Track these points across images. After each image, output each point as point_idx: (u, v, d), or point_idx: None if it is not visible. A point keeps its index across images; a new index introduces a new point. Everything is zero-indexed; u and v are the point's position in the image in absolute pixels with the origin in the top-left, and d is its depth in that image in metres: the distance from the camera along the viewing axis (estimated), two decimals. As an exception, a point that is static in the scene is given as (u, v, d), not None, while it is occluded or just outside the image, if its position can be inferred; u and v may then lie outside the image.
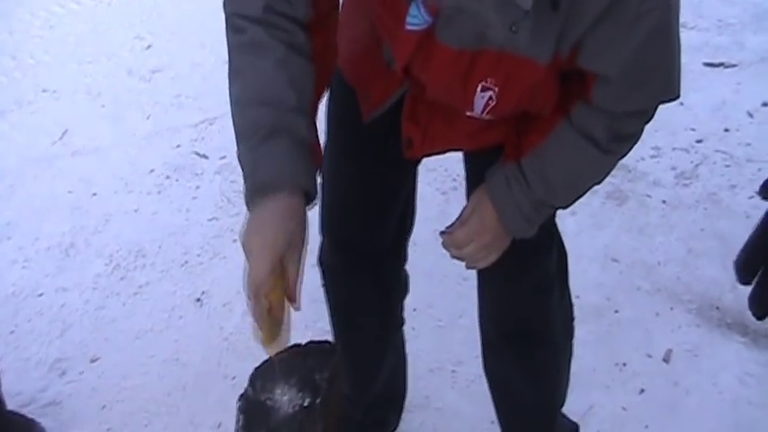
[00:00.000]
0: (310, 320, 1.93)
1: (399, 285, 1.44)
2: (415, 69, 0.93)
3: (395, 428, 1.70)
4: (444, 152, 1.10)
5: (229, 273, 2.19)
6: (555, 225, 1.21)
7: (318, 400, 0.88)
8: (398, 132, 1.07)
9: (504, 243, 1.10)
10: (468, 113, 0.94)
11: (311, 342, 0.97)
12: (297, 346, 0.96)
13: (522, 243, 1.09)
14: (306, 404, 0.87)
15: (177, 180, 2.48)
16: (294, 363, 0.91)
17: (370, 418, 1.60)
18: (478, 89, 0.89)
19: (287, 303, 0.92)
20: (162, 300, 2.13)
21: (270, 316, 0.90)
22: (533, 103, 0.94)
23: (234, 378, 1.93)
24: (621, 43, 0.83)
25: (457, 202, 2.25)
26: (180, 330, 2.05)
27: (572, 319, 1.36)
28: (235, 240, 2.34)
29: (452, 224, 1.12)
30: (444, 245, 1.12)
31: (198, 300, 2.15)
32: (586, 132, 0.95)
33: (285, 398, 0.88)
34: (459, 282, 2.15)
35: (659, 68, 0.88)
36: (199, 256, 2.26)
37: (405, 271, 1.45)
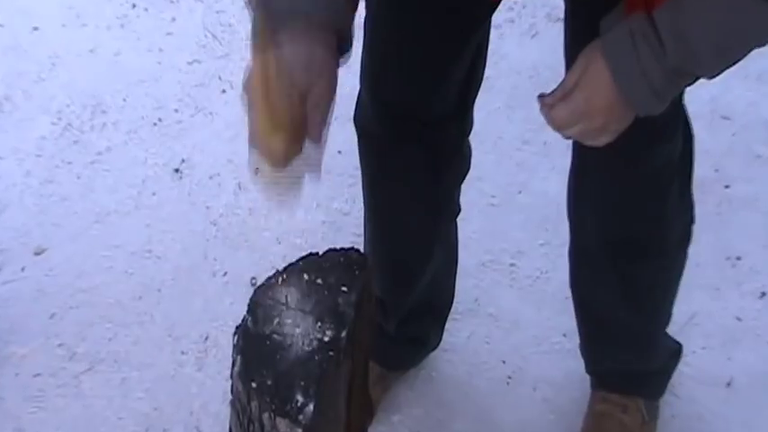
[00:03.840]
0: (324, 197, 1.97)
1: (460, 162, 1.42)
2: None
3: (436, 345, 1.69)
4: None
5: (216, 134, 2.17)
6: (683, 99, 1.19)
7: (344, 333, 0.86)
8: None
9: (623, 122, 1.00)
10: None
11: (331, 251, 0.95)
12: (313, 256, 0.94)
13: (642, 123, 1.01)
14: (327, 339, 0.86)
15: (146, 9, 2.40)
16: (310, 281, 0.90)
17: (406, 333, 1.61)
18: None
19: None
20: (128, 171, 2.10)
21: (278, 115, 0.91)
22: None
23: (225, 275, 1.88)
24: None
25: (511, 37, 2.32)
26: (153, 212, 2.02)
27: (691, 221, 1.36)
28: (224, 91, 2.26)
29: (554, 91, 1.02)
30: (542, 113, 1.03)
31: (176, 171, 2.10)
32: None
33: (298, 330, 0.86)
34: (519, 146, 2.11)
35: None
36: (177, 111, 2.22)
37: (468, 143, 1.43)
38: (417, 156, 1.33)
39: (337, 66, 0.93)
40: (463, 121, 1.36)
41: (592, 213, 1.33)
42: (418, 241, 1.47)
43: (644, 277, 1.37)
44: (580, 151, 1.26)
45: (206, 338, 1.78)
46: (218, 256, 1.92)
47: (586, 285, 1.45)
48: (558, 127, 1.03)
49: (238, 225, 1.96)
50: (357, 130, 1.36)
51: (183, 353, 1.76)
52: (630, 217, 1.28)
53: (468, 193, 1.60)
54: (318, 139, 0.93)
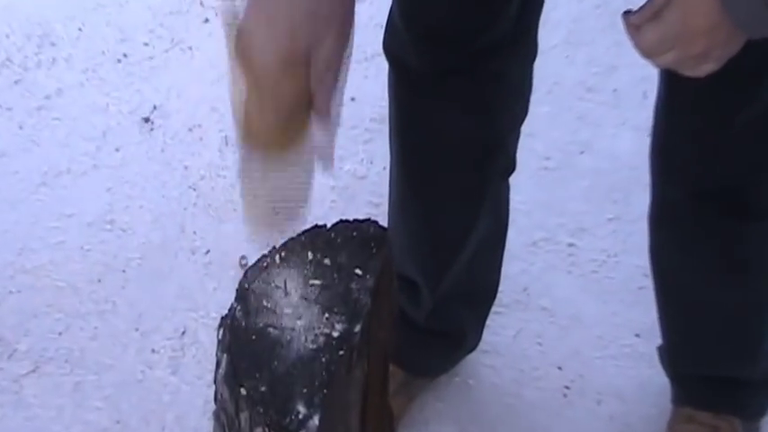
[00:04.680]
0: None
1: (517, 99, 1.43)
2: None
3: (475, 345, 1.70)
4: None
5: (197, 75, 2.18)
6: None
7: (358, 327, 0.88)
8: None
9: (729, 48, 0.99)
10: None
11: (343, 223, 0.96)
12: (319, 229, 0.96)
13: (754, 48, 0.99)
14: (336, 334, 0.87)
15: None
16: (316, 261, 0.92)
17: (437, 327, 1.62)
18: None
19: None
20: (85, 120, 2.10)
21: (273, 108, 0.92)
22: None
23: (207, 253, 1.90)
24: None
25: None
26: (116, 172, 2.03)
27: None
28: (206, 21, 2.27)
29: (642, 7, 1.01)
30: (628, 36, 1.03)
31: (146, 120, 2.11)
32: None
33: (300, 323, 0.88)
34: (582, 94, 2.11)
35: None
36: (146, 45, 2.24)
37: (530, 76, 1.43)
38: (465, 90, 1.34)
39: (353, 6, 0.93)
40: (523, 46, 1.37)
41: (682, 162, 1.32)
42: (461, 203, 1.48)
43: (746, 244, 1.36)
44: (671, 84, 1.25)
45: (182, 333, 1.79)
46: (198, 229, 1.93)
47: (671, 257, 1.45)
48: (648, 54, 1.02)
49: (224, 190, 1.97)
50: (389, 59, 1.37)
51: (153, 351, 1.76)
52: (732, 165, 1.28)
53: (517, 153, 1.62)
54: (328, 117, 0.95)
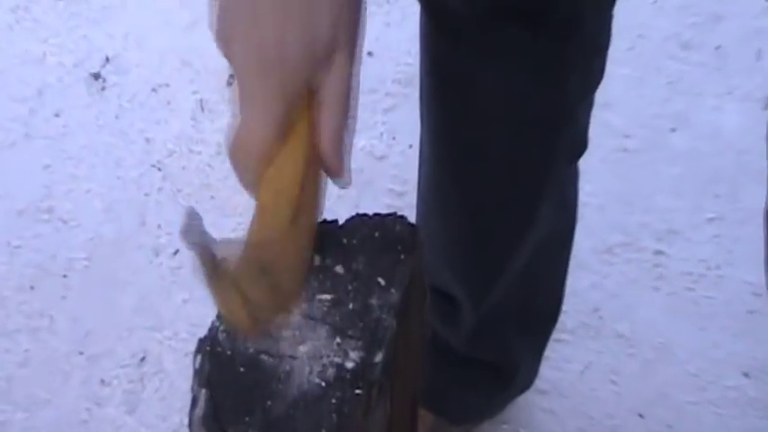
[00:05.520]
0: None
1: (592, 58, 1.43)
2: None
3: (529, 383, 1.72)
4: None
5: (163, 18, 2.20)
6: None
7: (379, 357, 0.87)
8: None
9: None
10: None
11: (360, 217, 0.97)
12: (329, 225, 0.97)
13: None
14: (351, 365, 0.86)
15: None
16: (325, 267, 0.92)
17: (482, 353, 1.64)
18: None
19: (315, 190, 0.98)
20: (14, 74, 2.13)
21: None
22: None
23: (175, 254, 1.94)
24: None
25: None
26: (55, 143, 2.05)
27: None
28: None
29: None
30: None
31: (96, 77, 2.14)
32: None
33: (303, 349, 0.87)
34: (674, 52, 2.13)
35: None
36: None
37: (608, 27, 1.42)
38: (522, 41, 1.33)
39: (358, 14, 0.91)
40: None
41: None
42: (515, 193, 1.48)
43: None
44: None
45: (142, 359, 1.80)
46: (164, 221, 1.94)
47: None
48: None
49: (198, 171, 1.99)
50: (423, 5, 1.37)
51: (103, 382, 1.78)
52: None
53: (589, 129, 1.61)
54: (342, 172, 0.96)
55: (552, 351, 1.70)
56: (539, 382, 1.70)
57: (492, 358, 1.64)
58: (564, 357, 1.77)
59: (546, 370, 1.70)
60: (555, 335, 1.67)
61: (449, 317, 1.58)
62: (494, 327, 1.61)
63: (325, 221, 0.97)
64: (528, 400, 1.72)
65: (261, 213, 0.93)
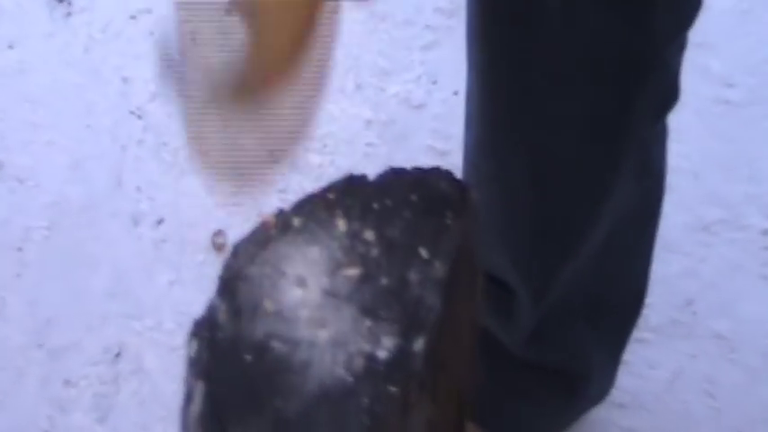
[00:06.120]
0: (371, 69, 2.03)
1: None
2: None
3: (605, 391, 1.73)
4: None
5: None
6: None
7: (419, 345, 0.88)
8: None
9: None
10: None
11: (395, 172, 1.00)
12: (355, 181, 1.00)
13: None
14: (384, 356, 0.88)
15: None
16: (351, 233, 0.95)
17: (544, 356, 1.66)
18: None
19: None
20: None
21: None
22: None
23: (160, 223, 1.95)
24: None
25: None
26: (10, 83, 2.08)
27: None
28: None
29: None
30: None
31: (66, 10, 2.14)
32: None
33: (324, 335, 0.89)
34: None
35: None
36: None
37: None
38: None
39: None
40: None
41: None
42: (588, 152, 1.47)
43: None
44: None
45: (117, 354, 1.82)
46: (144, 182, 1.96)
47: None
48: None
49: None
50: None
51: (67, 383, 1.80)
52: None
53: (681, 75, 1.61)
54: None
55: (633, 354, 1.71)
56: (616, 394, 1.71)
57: (557, 363, 1.66)
58: (648, 362, 1.78)
59: (625, 378, 1.71)
60: (636, 334, 1.67)
61: (503, 311, 1.59)
62: (559, 323, 1.62)
63: (351, 177, 0.97)
64: (602, 416, 1.74)
65: None
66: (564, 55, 1.41)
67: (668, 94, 1.50)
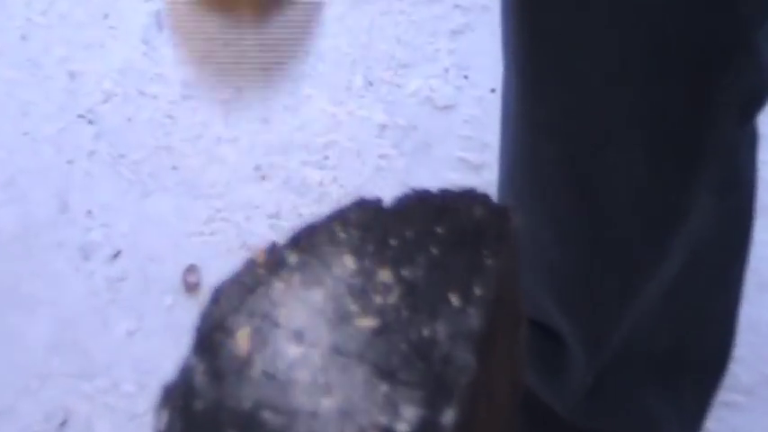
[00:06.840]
0: (379, 56, 2.07)
1: None
2: None
3: None
4: None
5: None
6: None
7: (449, 417, 0.85)
8: None
9: None
10: None
11: (418, 194, 0.94)
12: (369, 206, 0.98)
13: None
14: (405, 430, 0.85)
15: None
16: (364, 274, 0.94)
17: (602, 423, 1.72)
18: None
19: None
20: None
21: None
22: None
23: (116, 256, 1.97)
24: None
25: None
26: None
27: None
28: None
29: None
30: None
31: None
32: None
33: (329, 404, 0.88)
34: None
35: None
36: None
37: None
38: None
39: None
40: None
41: None
42: (659, 166, 1.50)
43: None
44: None
45: (62, 423, 1.82)
46: (98, 205, 1.98)
47: None
48: None
49: (153, 125, 2.03)
50: None
51: None
52: None
53: None
54: None
55: (718, 422, 1.73)
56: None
57: (617, 430, 1.66)
58: (737, 431, 1.78)
59: (709, 450, 1.73)
60: (722, 396, 1.70)
61: (551, 366, 1.60)
62: (621, 381, 1.63)
63: (361, 201, 0.96)
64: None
65: None
66: (631, 45, 1.44)
67: (757, 90, 1.52)
